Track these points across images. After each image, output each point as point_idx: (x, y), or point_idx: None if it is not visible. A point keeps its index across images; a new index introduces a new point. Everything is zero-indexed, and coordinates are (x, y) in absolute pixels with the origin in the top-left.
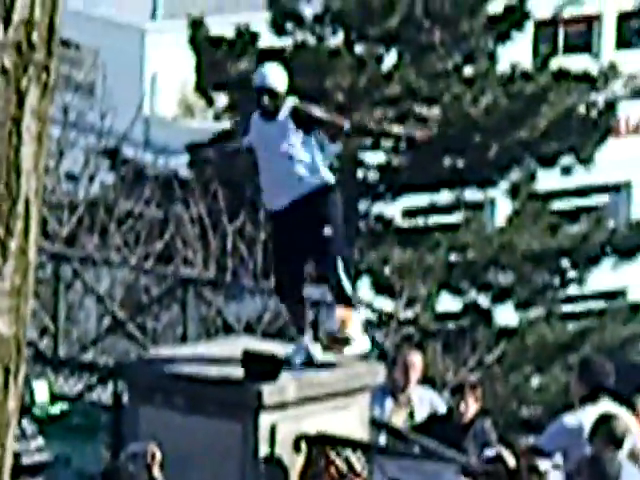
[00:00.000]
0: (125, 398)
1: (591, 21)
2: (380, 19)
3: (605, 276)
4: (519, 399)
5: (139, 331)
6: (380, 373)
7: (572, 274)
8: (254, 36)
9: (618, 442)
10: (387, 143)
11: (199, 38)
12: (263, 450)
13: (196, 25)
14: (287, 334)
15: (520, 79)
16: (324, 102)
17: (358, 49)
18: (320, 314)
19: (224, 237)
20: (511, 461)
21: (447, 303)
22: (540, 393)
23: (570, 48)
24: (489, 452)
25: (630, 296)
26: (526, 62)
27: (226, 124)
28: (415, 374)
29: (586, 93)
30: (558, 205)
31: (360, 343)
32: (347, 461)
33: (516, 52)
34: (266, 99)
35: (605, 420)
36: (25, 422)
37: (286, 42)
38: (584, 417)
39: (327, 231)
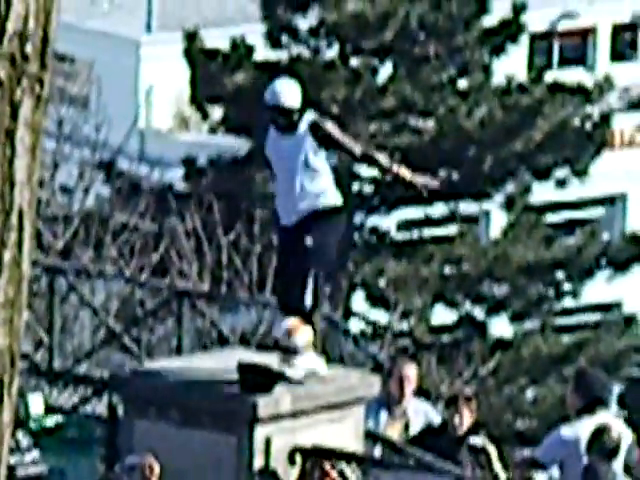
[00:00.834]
0: (120, 411)
1: (586, 34)
2: (375, 32)
3: (600, 288)
4: (514, 411)
5: (134, 344)
6: (375, 385)
7: (567, 286)
8: (249, 49)
9: (612, 453)
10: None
11: (194, 51)
12: (258, 462)
13: (191, 38)
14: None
15: (515, 92)
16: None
17: (353, 62)
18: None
19: (219, 249)
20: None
21: (442, 315)
22: (535, 405)
23: (565, 61)
24: (475, 440)
25: (625, 308)
26: (521, 75)
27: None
28: (410, 386)
29: (581, 106)
30: (553, 217)
31: (310, 360)
32: (342, 474)
33: (511, 65)
34: (281, 119)
35: (601, 432)
36: (20, 435)
37: (281, 55)
38: (580, 429)
39: (308, 241)
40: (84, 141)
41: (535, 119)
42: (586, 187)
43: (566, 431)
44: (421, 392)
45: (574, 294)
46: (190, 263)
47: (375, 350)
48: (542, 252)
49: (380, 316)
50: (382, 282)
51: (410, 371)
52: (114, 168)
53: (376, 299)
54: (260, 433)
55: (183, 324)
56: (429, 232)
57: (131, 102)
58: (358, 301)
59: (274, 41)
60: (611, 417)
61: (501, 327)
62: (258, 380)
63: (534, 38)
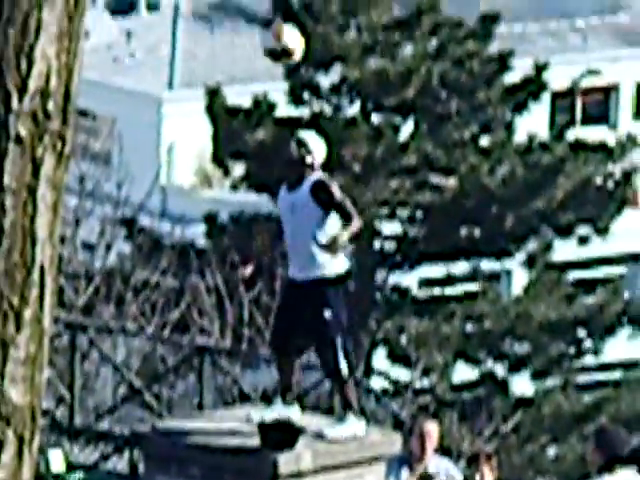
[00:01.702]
0: (141, 467)
1: (608, 92)
2: (397, 89)
3: (621, 346)
4: (535, 469)
5: (155, 400)
6: (396, 443)
7: (588, 344)
8: (271, 105)
9: None
10: (403, 213)
11: (216, 107)
12: None
13: (213, 94)
14: (304, 403)
15: (537, 149)
16: (341, 172)
17: (375, 119)
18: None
19: (241, 306)
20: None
21: (463, 373)
22: (556, 463)
23: (587, 118)
24: None
25: None
26: (543, 132)
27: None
28: (431, 444)
29: (603, 163)
30: (574, 275)
31: (355, 425)
32: None
33: (533, 122)
34: (306, 170)
35: None
36: None
37: (303, 112)
38: None
39: (327, 314)
40: (106, 197)
41: (557, 177)
42: (608, 245)
43: None
44: (442, 450)
45: (595, 352)
46: (211, 320)
47: (396, 407)
48: (563, 310)
49: (401, 373)
50: (404, 339)
51: (431, 428)
52: (136, 225)
53: (397, 356)
54: None
55: (204, 380)
56: (451, 290)
57: (153, 159)
58: (379, 358)
59: (296, 98)
60: (633, 475)
61: (522, 385)
62: (280, 436)
63: (556, 96)
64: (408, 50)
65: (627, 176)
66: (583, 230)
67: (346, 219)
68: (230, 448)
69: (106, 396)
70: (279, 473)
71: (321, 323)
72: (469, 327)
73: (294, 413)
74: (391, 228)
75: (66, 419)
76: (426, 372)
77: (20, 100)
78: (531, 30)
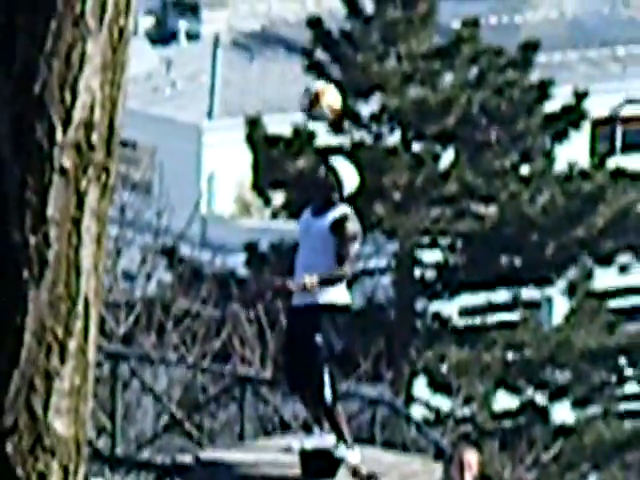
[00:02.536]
0: None
1: None
2: (437, 117)
3: None
4: None
5: (196, 430)
6: (437, 472)
7: (630, 372)
8: (311, 134)
9: None
10: (444, 241)
11: (256, 136)
12: None
13: (253, 123)
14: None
15: (577, 178)
16: (381, 201)
17: (415, 147)
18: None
19: (281, 335)
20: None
21: (504, 401)
22: None
23: (627, 146)
24: None
25: None
26: (583, 161)
27: (283, 223)
28: (471, 473)
29: None
30: (615, 303)
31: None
32: None
33: (573, 151)
34: (332, 195)
35: None
36: None
37: (343, 140)
38: None
39: (317, 339)
40: (146, 227)
41: (597, 205)
42: None
43: None
44: (483, 478)
45: (637, 380)
46: (252, 349)
47: (437, 436)
48: (604, 338)
49: (442, 402)
50: (444, 368)
51: (471, 457)
52: (176, 254)
53: (438, 385)
54: None
55: (245, 410)
56: (491, 318)
57: (193, 188)
58: (420, 387)
59: (336, 127)
60: None
61: (563, 413)
62: (320, 465)
63: (596, 124)
64: (448, 79)
65: None
66: (623, 258)
67: (339, 262)
68: (271, 478)
69: (147, 426)
70: None
71: (311, 347)
72: (510, 355)
73: (329, 440)
74: (432, 257)
75: (108, 449)
76: (467, 401)
77: (64, 132)
78: (571, 58)
